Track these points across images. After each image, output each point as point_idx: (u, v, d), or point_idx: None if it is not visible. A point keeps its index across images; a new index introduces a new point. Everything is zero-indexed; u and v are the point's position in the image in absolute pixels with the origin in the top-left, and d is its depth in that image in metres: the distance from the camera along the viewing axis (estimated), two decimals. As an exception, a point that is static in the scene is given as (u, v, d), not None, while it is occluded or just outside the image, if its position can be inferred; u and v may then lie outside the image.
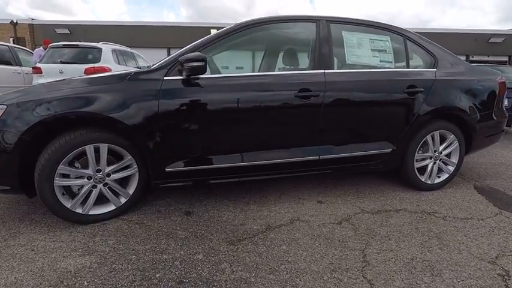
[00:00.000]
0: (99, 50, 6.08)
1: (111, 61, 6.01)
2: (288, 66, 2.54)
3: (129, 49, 7.34)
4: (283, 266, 1.60)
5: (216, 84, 2.05)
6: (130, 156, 1.98)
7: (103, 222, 2.00)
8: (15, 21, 18.40)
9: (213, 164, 2.10)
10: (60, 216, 1.88)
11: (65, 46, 6.19)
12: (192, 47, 2.06)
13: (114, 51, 6.39)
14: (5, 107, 1.78)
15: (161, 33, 17.13)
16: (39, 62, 6.11)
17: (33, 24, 18.04)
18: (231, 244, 1.79)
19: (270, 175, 2.29)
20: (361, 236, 1.91)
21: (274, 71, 2.78)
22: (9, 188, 1.83)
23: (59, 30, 16.84)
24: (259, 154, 2.18)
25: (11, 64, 6.91)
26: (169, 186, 2.14)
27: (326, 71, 2.24)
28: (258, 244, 1.80)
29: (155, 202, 2.34)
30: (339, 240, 1.85)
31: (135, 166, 2.03)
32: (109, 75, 1.98)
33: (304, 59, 2.45)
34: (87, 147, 1.83)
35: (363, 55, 2.40)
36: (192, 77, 1.97)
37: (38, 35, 17.27)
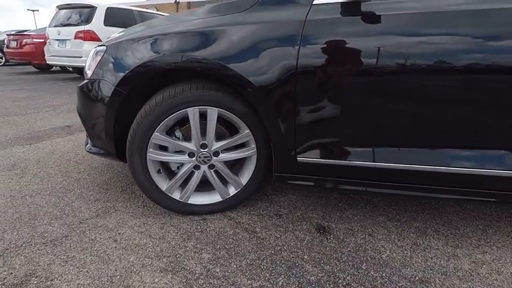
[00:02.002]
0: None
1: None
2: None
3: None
4: None
5: (406, 12, 1.08)
6: (248, 131, 1.31)
7: (203, 217, 1.44)
8: (177, 1, 21.45)
9: (374, 162, 1.19)
10: (153, 200, 1.40)
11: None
12: None
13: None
14: (105, 48, 1.36)
15: None
16: (184, 29, 6.39)
17: (190, 2, 20.56)
18: (410, 331, 0.89)
19: (485, 198, 1.20)
20: None
21: None
22: (104, 152, 1.47)
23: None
24: (469, 155, 1.13)
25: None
26: (299, 185, 1.37)
27: None
28: None
29: (275, 198, 1.64)
30: None
31: (253, 146, 1.34)
32: (228, 3, 1.30)
33: None
34: (190, 110, 1.24)
35: None
36: (364, -4, 1.07)
37: (192, 11, 19.56)
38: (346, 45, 1.09)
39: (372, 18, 1.09)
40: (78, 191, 1.68)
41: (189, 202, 1.41)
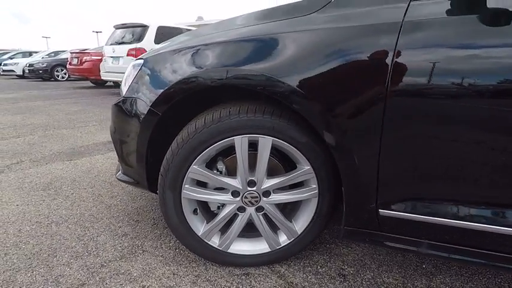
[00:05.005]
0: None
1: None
2: None
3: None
4: None
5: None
6: (308, 167, 1.00)
7: (245, 271, 1.15)
8: (224, 20, 22.34)
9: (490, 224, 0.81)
10: (186, 246, 1.14)
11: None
12: None
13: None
14: (142, 62, 1.16)
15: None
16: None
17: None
18: None
19: None
20: None
21: None
22: (133, 181, 1.25)
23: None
24: None
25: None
26: (379, 244, 1.02)
27: None
28: None
29: (335, 249, 1.30)
30: None
31: (314, 186, 1.04)
32: (295, 4, 1.03)
33: None
34: (237, 139, 0.97)
35: None
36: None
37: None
38: (465, 60, 0.75)
39: (502, 17, 0.74)
40: (107, 220, 1.49)
41: (229, 251, 1.13)
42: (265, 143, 0.98)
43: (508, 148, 0.75)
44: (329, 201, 1.06)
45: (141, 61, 1.16)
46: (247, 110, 0.96)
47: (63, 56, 11.82)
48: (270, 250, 1.14)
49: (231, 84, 0.96)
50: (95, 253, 1.24)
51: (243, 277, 1.12)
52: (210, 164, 1.10)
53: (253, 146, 1.01)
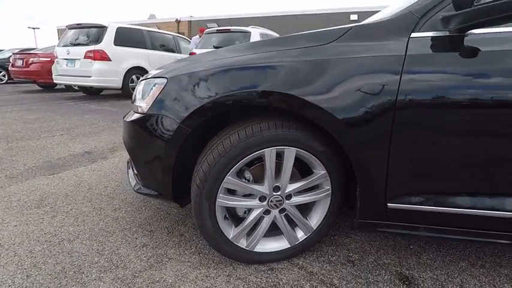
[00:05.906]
0: (248, 33, 5.84)
1: (259, 45, 5.65)
2: None
3: (276, 34, 6.93)
4: None
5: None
6: (324, 172, 1.18)
7: (270, 267, 1.29)
8: (178, 20, 21.84)
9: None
10: (217, 249, 1.25)
11: (218, 31, 6.23)
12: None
13: (262, 34, 6.05)
14: (165, 81, 1.24)
15: (301, 22, 16.97)
16: (194, 48, 6.36)
17: (191, 20, 20.92)
18: None
19: None
20: None
21: None
22: (156, 193, 1.32)
23: (209, 24, 18.79)
24: None
25: (173, 52, 7.58)
26: (388, 233, 1.22)
27: None
28: None
29: (338, 240, 1.49)
30: None
31: (328, 188, 1.21)
32: (315, 33, 1.19)
33: None
34: (267, 151, 1.11)
35: None
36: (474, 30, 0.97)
37: (194, 29, 19.85)
38: (451, 79, 0.98)
39: (471, 53, 0.98)
40: (120, 233, 1.52)
41: (255, 250, 1.26)
42: (290, 153, 1.13)
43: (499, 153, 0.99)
44: (339, 200, 1.25)
45: (164, 80, 1.23)
46: (276, 125, 1.10)
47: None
48: (289, 246, 1.30)
49: (258, 100, 1.09)
50: (122, 265, 1.28)
51: (269, 272, 1.26)
52: (238, 174, 1.22)
53: (277, 156, 1.15)
